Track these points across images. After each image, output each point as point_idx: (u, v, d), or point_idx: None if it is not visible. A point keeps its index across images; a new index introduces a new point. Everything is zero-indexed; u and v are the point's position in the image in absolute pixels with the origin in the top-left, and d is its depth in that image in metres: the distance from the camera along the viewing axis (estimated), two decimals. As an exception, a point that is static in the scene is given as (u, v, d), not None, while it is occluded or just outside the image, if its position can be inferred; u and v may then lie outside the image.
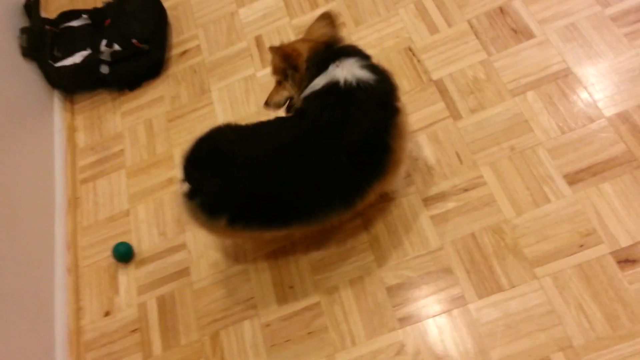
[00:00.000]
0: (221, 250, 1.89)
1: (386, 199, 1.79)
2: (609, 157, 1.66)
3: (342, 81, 1.45)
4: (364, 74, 1.46)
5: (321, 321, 1.68)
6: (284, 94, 1.64)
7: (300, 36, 1.73)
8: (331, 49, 1.55)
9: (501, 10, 2.01)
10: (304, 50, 1.55)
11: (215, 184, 1.44)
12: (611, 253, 1.53)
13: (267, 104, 1.68)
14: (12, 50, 2.25)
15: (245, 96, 2.19)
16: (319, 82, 1.50)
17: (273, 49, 1.55)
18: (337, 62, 1.49)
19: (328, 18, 1.63)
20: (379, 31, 2.13)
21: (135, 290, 1.91)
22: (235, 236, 1.80)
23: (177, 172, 1.56)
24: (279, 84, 1.66)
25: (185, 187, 1.46)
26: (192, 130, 2.18)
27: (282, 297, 1.75)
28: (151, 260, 1.95)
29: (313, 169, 1.42)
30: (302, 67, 1.54)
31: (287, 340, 1.68)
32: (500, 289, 1.57)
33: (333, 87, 1.46)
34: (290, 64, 1.56)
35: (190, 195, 1.46)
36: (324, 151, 1.42)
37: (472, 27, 2.02)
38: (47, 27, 2.38)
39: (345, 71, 1.47)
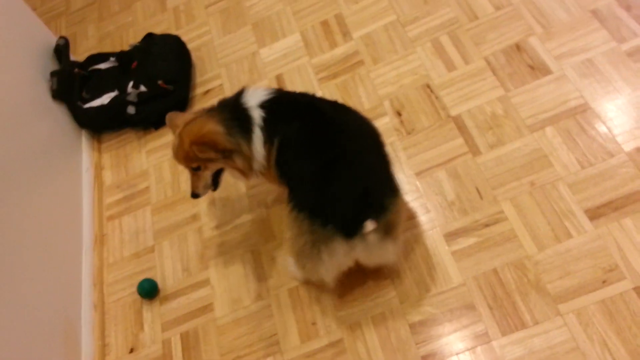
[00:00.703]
0: (244, 285, 1.91)
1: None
2: (629, 191, 1.66)
3: (268, 97, 1.60)
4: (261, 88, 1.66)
5: (344, 358, 1.68)
6: (208, 174, 1.68)
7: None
8: (219, 107, 1.65)
9: (517, 47, 2.04)
10: (212, 124, 1.57)
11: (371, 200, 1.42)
12: (634, 289, 1.52)
13: (196, 195, 1.71)
14: (43, 93, 2.34)
15: (267, 133, 2.24)
16: (256, 115, 1.57)
17: (196, 146, 1.54)
18: (242, 100, 1.61)
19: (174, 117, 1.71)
20: (397, 68, 2.18)
21: (159, 327, 1.94)
22: None
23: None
24: (196, 169, 1.66)
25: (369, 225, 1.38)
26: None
27: (305, 333, 1.76)
28: (175, 296, 1.98)
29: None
30: (226, 140, 1.56)
31: (310, 378, 1.69)
32: (523, 325, 1.56)
33: (270, 103, 1.59)
34: (217, 148, 1.56)
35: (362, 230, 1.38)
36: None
37: (489, 63, 2.05)
38: (76, 69, 2.47)
39: (256, 94, 1.61)
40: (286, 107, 1.63)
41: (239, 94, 1.64)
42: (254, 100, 1.60)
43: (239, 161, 1.61)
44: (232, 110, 1.61)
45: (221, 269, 1.98)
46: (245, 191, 2.12)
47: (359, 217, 1.38)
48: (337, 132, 1.52)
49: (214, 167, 1.66)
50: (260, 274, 1.92)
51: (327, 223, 1.40)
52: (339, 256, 1.45)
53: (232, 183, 2.15)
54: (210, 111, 1.63)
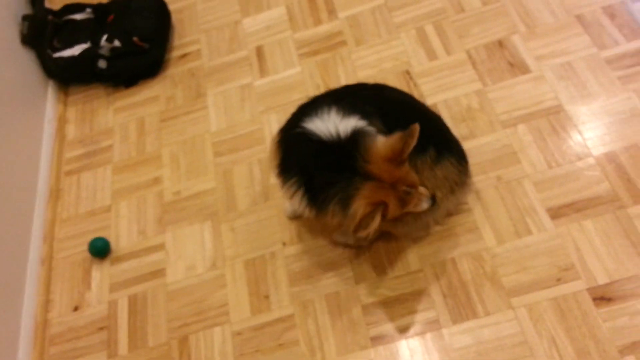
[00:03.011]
0: (199, 253, 1.87)
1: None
2: (593, 195, 1.67)
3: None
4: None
5: (293, 334, 1.65)
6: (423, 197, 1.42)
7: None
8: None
9: (500, 43, 2.04)
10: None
11: None
12: (587, 289, 1.53)
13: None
14: (13, 36, 2.25)
15: (241, 104, 2.19)
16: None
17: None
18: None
19: None
20: (379, 52, 2.16)
21: (107, 287, 1.88)
22: None
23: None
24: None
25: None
26: (184, 132, 2.18)
27: (257, 306, 1.73)
28: (127, 258, 1.93)
29: None
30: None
31: (256, 351, 1.65)
32: (475, 315, 1.56)
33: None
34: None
35: None
36: None
37: (470, 57, 2.04)
38: (50, 17, 2.38)
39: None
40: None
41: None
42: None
43: None
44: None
45: (178, 235, 1.93)
46: (212, 159, 2.07)
47: None
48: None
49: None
50: (218, 244, 1.88)
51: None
52: None
53: (200, 149, 2.10)
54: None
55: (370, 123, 1.39)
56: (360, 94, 1.62)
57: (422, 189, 1.38)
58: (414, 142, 1.26)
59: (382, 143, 1.29)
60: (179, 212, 1.98)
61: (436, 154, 1.49)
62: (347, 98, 1.49)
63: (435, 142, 1.47)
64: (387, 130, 1.40)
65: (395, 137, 1.28)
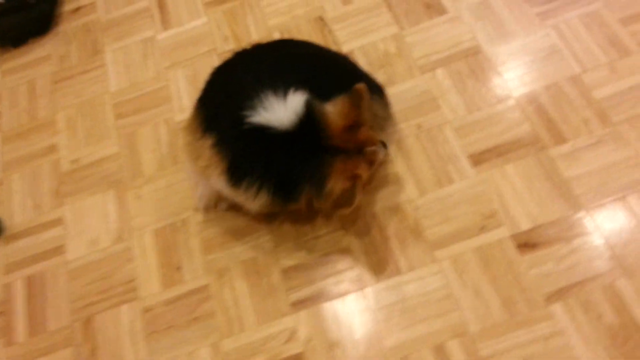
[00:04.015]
0: (103, 226, 1.70)
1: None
2: (514, 138, 1.61)
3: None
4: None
5: (209, 305, 1.53)
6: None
7: None
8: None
9: (417, -17, 1.93)
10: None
11: None
12: (511, 236, 1.47)
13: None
14: None
15: (143, 60, 2.00)
16: None
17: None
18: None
19: None
20: (290, -2, 2.00)
21: (2, 269, 1.69)
22: None
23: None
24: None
25: None
26: (81, 93, 1.97)
27: (168, 279, 1.59)
28: (23, 235, 1.73)
29: None
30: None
31: (169, 327, 1.52)
32: (398, 271, 1.48)
33: None
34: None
35: None
36: None
37: (385, -1, 1.92)
38: None
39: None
40: None
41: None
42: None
43: None
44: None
45: (78, 207, 1.75)
46: (113, 121, 1.88)
47: None
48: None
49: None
50: (124, 214, 1.71)
51: None
52: None
53: (100, 112, 1.91)
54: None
55: (306, 91, 1.30)
56: (270, 57, 1.47)
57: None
58: (366, 102, 1.24)
59: (334, 114, 1.25)
60: (79, 182, 1.79)
61: None
62: (263, 69, 1.37)
63: (352, 84, 1.36)
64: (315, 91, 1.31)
65: (343, 103, 1.24)
